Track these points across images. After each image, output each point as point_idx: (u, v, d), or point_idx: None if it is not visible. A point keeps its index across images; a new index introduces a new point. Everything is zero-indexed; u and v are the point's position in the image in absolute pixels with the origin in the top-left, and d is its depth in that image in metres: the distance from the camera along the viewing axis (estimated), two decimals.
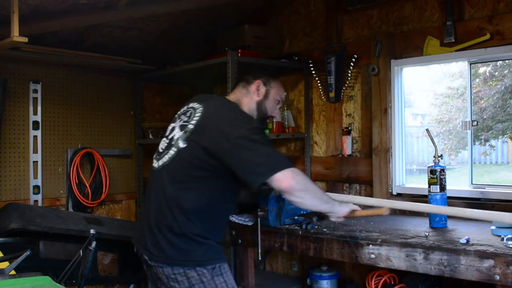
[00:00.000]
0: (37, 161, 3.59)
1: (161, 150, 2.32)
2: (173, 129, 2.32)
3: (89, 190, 3.76)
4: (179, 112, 2.41)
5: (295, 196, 2.09)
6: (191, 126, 2.22)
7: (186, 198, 2.14)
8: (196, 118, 2.24)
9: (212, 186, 2.17)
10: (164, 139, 2.35)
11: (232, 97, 2.45)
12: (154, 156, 2.37)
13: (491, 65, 3.28)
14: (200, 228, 2.16)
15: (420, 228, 2.54)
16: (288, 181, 2.03)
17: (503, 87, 3.32)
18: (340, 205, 2.28)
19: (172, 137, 2.28)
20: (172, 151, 2.23)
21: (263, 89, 2.43)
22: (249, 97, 2.41)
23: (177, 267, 2.13)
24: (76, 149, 3.75)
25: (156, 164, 2.31)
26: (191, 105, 2.37)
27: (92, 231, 2.73)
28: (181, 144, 2.20)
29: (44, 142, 3.63)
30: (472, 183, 2.99)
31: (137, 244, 2.31)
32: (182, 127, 2.26)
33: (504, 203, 2.76)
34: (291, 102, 3.87)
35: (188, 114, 2.32)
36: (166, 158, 2.24)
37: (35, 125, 3.57)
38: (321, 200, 2.20)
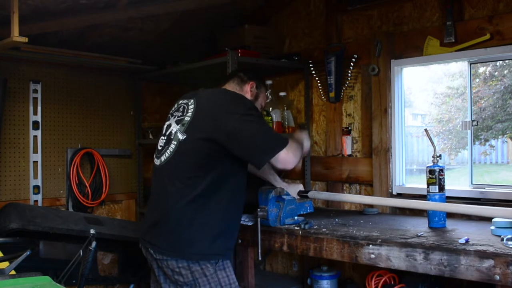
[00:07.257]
0: (37, 161, 3.59)
1: (160, 148, 2.35)
2: (169, 126, 2.36)
3: (89, 190, 3.76)
4: (171, 111, 2.45)
5: (293, 168, 2.33)
6: (187, 118, 2.26)
7: (194, 187, 2.17)
8: (191, 110, 2.28)
9: (218, 170, 2.19)
10: (162, 137, 2.38)
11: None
12: (155, 155, 2.40)
13: (491, 65, 3.28)
14: (208, 218, 2.18)
15: (419, 228, 2.54)
16: (291, 160, 2.22)
17: (502, 87, 3.32)
18: (306, 140, 2.55)
19: (170, 132, 2.31)
20: (172, 145, 2.26)
21: (254, 91, 2.51)
22: (241, 94, 2.45)
23: (181, 261, 2.17)
24: (76, 149, 3.75)
25: (157, 161, 2.34)
26: (181, 101, 2.42)
27: (92, 231, 2.74)
28: (181, 136, 2.23)
29: (44, 142, 3.63)
30: (472, 183, 2.99)
31: (142, 240, 2.33)
32: (178, 122, 2.30)
33: (504, 203, 2.76)
34: (291, 102, 3.86)
35: (181, 109, 2.35)
36: (167, 153, 2.27)
37: (35, 125, 3.57)
38: (302, 155, 2.40)
